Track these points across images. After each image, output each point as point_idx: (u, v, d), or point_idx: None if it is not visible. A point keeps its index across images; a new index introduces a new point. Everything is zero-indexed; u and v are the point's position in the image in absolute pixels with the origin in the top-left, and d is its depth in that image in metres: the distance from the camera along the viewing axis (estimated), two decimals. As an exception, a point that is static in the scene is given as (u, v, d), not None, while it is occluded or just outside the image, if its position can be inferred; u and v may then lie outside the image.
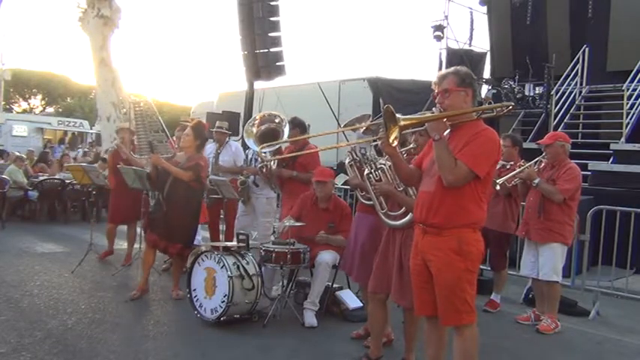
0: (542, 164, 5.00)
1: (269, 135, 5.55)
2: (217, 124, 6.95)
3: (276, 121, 5.67)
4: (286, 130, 5.54)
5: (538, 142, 5.22)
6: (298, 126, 5.63)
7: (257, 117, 5.90)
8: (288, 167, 5.49)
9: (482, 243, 2.90)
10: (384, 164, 3.54)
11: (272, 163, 5.53)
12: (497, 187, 4.89)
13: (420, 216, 2.96)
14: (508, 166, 5.19)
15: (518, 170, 4.92)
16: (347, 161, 4.07)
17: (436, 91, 2.95)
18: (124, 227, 6.69)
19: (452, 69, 3.00)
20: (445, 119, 2.84)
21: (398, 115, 2.81)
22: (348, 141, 4.29)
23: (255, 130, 5.67)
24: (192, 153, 5.19)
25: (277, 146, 5.54)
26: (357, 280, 4.17)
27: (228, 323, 4.33)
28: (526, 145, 7.45)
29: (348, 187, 7.20)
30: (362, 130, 3.86)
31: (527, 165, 4.95)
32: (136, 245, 6.34)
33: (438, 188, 2.85)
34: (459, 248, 2.80)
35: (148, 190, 5.83)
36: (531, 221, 4.85)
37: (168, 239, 5.06)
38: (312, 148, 5.46)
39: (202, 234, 6.95)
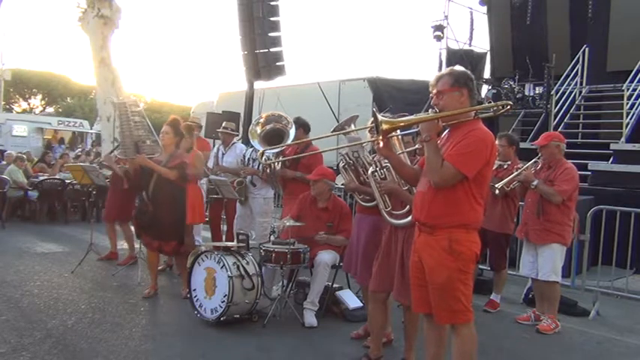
0: (540, 165, 5.00)
1: (274, 135, 5.52)
2: (224, 124, 6.88)
3: (283, 122, 5.61)
4: (292, 132, 5.49)
5: (533, 143, 5.21)
6: (302, 126, 5.62)
7: (262, 116, 5.80)
8: (291, 168, 5.49)
9: (476, 244, 2.88)
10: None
11: (276, 163, 5.50)
12: (497, 192, 4.91)
13: (415, 215, 3.00)
14: (505, 166, 5.19)
15: (515, 174, 4.93)
16: (341, 165, 4.07)
17: (433, 92, 2.95)
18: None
19: (447, 70, 3.01)
20: (438, 120, 2.83)
21: (381, 118, 2.82)
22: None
23: (259, 129, 5.61)
24: (173, 150, 5.16)
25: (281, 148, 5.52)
26: (361, 281, 4.13)
27: (228, 323, 4.33)
28: (526, 145, 7.44)
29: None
30: (368, 132, 3.83)
31: (524, 167, 4.96)
32: (136, 245, 6.34)
33: (430, 188, 2.86)
34: (450, 248, 2.80)
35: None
36: (530, 222, 4.85)
37: (161, 238, 5.04)
38: (316, 149, 5.46)
39: (202, 234, 6.95)
